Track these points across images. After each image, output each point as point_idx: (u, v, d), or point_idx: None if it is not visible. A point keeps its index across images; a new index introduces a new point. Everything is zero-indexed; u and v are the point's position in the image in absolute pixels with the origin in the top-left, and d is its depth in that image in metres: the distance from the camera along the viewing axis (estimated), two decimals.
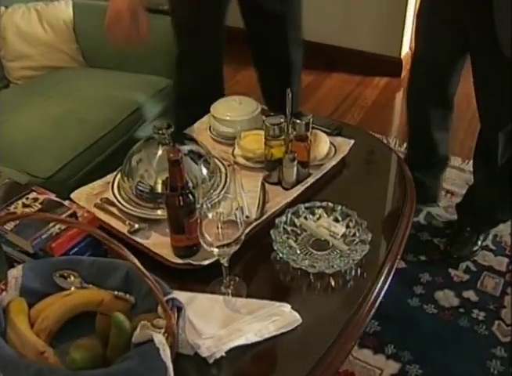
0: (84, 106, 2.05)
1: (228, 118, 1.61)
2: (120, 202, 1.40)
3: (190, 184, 1.33)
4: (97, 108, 2.05)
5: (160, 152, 1.39)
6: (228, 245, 1.09)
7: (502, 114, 1.78)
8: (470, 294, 1.96)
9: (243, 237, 1.10)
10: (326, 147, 1.53)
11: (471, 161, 2.56)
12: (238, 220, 1.08)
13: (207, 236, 1.09)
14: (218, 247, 1.10)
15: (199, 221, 1.10)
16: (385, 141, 2.64)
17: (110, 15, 1.62)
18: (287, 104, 1.36)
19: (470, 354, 1.77)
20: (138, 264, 0.88)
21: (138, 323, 0.95)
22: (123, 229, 1.34)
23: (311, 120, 1.40)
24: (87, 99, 2.10)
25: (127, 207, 1.38)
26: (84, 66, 2.44)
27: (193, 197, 1.18)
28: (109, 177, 1.49)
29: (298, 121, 1.39)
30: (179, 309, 1.00)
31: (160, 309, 0.96)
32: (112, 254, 1.23)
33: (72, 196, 1.43)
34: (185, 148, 1.39)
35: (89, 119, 1.99)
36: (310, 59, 3.27)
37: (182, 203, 1.17)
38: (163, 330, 0.92)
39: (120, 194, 1.43)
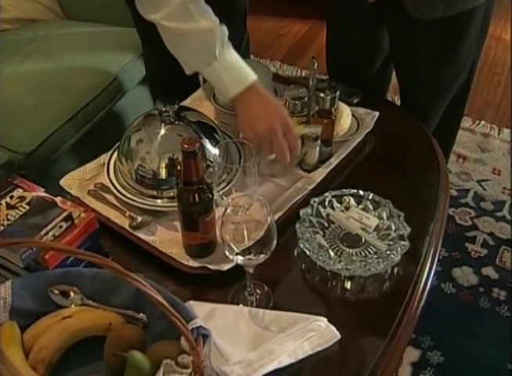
0: (65, 69, 1.82)
1: None
2: (117, 189, 1.22)
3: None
4: (79, 72, 1.82)
5: (162, 131, 1.19)
6: (255, 253, 0.93)
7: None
8: (489, 271, 1.84)
9: (274, 243, 0.93)
10: (348, 121, 1.35)
11: (482, 122, 2.44)
12: (271, 225, 0.91)
13: (232, 245, 0.92)
14: (242, 254, 0.93)
15: (220, 220, 0.93)
16: None
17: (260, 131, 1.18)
18: (311, 76, 1.17)
19: (493, 338, 1.66)
20: (165, 303, 0.70)
21: (156, 356, 0.80)
22: (123, 222, 1.16)
23: (337, 94, 1.21)
24: (67, 61, 1.86)
25: (126, 196, 1.20)
26: (63, 19, 2.19)
27: (211, 192, 1.00)
28: (103, 158, 1.30)
29: (323, 95, 1.20)
30: (205, 335, 0.84)
31: (183, 340, 0.80)
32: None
33: (61, 183, 1.24)
34: (193, 125, 1.20)
35: (71, 85, 1.77)
36: (305, 7, 3.09)
37: (197, 199, 0.99)
38: (190, 370, 0.76)
39: (117, 179, 1.24)
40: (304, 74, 2.65)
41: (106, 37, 2.01)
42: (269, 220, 0.90)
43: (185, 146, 0.93)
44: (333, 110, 1.23)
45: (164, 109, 1.17)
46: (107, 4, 2.13)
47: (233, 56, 1.19)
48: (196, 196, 0.99)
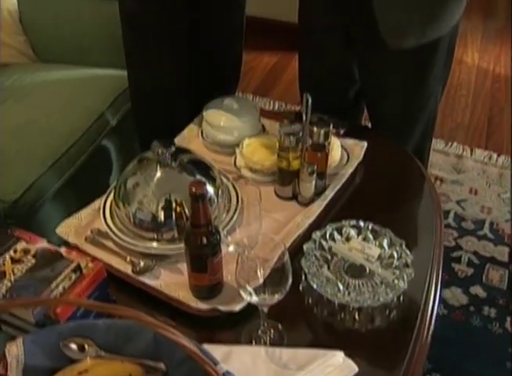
0: (44, 113, 1.80)
1: (224, 124, 1.42)
2: (115, 234, 1.20)
3: None
4: (59, 115, 1.80)
5: (159, 173, 1.19)
6: (270, 293, 0.92)
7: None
8: (477, 290, 1.87)
9: (290, 282, 0.93)
10: (338, 152, 1.37)
11: (454, 144, 2.50)
12: (286, 264, 0.91)
13: (246, 285, 0.91)
14: (257, 294, 0.93)
15: (238, 262, 0.93)
16: None
17: None
18: (304, 111, 1.19)
19: (490, 356, 1.68)
20: (195, 349, 0.69)
21: None
22: (125, 268, 1.14)
23: (331, 127, 1.23)
24: (45, 104, 1.84)
25: (125, 240, 1.19)
26: (35, 61, 2.18)
27: (219, 234, 1.00)
28: (98, 203, 1.28)
29: (316, 130, 1.22)
30: None
31: None
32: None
33: (58, 231, 1.21)
34: (189, 166, 1.20)
35: (52, 128, 1.74)
36: (273, 39, 3.14)
37: (205, 241, 0.98)
38: None
39: (114, 223, 1.23)
40: (277, 105, 2.68)
41: (81, 79, 2.00)
42: (285, 259, 0.90)
43: (194, 189, 0.93)
44: (326, 143, 1.24)
45: (160, 151, 1.17)
46: (80, 45, 2.13)
47: None
48: (205, 238, 0.98)
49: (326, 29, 1.54)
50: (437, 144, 2.45)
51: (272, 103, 2.71)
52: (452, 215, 2.15)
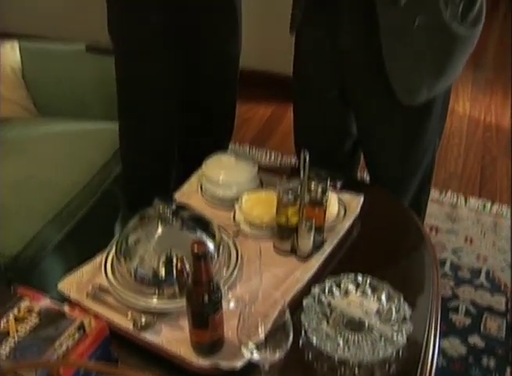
0: (45, 167, 1.84)
1: (223, 179, 1.45)
2: (117, 289, 1.22)
3: None
4: (59, 169, 1.84)
5: (160, 230, 1.21)
6: (271, 349, 0.94)
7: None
8: (475, 340, 1.87)
9: (291, 339, 0.94)
10: (335, 207, 1.40)
11: (449, 193, 2.54)
12: (287, 322, 0.92)
13: (249, 343, 0.93)
14: (258, 350, 0.94)
15: (240, 319, 0.94)
16: None
17: None
18: (302, 168, 1.23)
19: None
20: None
21: None
22: (126, 324, 1.15)
23: (328, 183, 1.26)
24: (46, 159, 1.88)
25: (125, 296, 1.20)
26: (36, 116, 2.22)
27: (220, 292, 1.02)
28: (99, 258, 1.30)
29: (314, 186, 1.25)
30: None
31: None
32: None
33: (60, 287, 1.22)
34: (190, 223, 1.23)
35: (52, 183, 1.77)
36: (268, 90, 3.22)
37: (207, 299, 1.00)
38: None
39: (115, 279, 1.24)
40: (273, 156, 2.73)
41: (81, 133, 2.04)
42: (286, 317, 0.92)
43: (195, 249, 0.95)
44: (324, 199, 1.27)
45: (161, 208, 1.20)
46: (80, 100, 2.19)
47: None
48: (206, 296, 1.00)
49: (321, 83, 1.59)
50: (431, 193, 2.48)
51: (268, 153, 2.76)
52: (448, 264, 2.17)
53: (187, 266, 1.17)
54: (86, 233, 1.76)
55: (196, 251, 0.95)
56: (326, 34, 1.48)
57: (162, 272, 1.19)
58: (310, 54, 1.57)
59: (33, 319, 0.96)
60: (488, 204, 2.49)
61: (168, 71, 1.69)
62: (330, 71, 1.53)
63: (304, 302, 1.16)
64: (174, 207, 1.21)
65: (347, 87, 1.54)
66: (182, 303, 1.08)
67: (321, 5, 1.45)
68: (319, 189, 1.25)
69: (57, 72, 2.20)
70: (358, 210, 1.42)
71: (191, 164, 1.73)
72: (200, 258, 0.96)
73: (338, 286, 1.22)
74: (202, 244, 0.96)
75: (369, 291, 1.21)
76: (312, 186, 1.25)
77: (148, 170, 1.86)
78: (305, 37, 1.57)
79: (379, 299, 1.19)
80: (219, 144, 1.92)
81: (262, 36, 3.12)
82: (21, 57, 2.19)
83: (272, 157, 2.73)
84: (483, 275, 2.12)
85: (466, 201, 2.51)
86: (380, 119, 1.54)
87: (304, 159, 1.21)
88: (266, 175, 1.53)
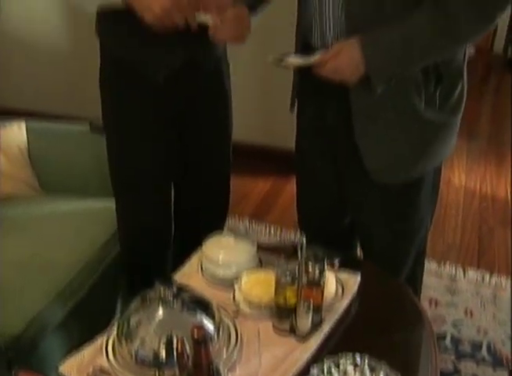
0: (48, 245, 1.87)
1: (223, 259, 1.48)
2: (117, 371, 1.23)
3: None
4: (62, 247, 1.87)
5: (161, 312, 1.24)
6: None
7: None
8: None
9: None
10: (333, 286, 1.43)
11: (447, 264, 2.56)
12: None
13: None
14: None
15: None
16: None
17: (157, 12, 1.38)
18: (299, 250, 1.26)
19: None
20: None
21: None
22: None
23: (325, 264, 1.30)
24: (49, 237, 1.91)
25: None
26: (40, 193, 2.28)
27: (220, 375, 1.03)
28: (100, 340, 1.31)
29: (312, 267, 1.29)
30: None
31: None
32: None
33: (61, 370, 1.24)
34: (190, 305, 1.26)
35: (55, 260, 1.80)
36: (267, 164, 3.29)
37: None
38: None
39: (116, 361, 1.26)
40: (272, 230, 2.77)
41: (83, 211, 2.09)
42: None
43: (195, 334, 0.97)
44: (321, 280, 1.30)
45: (162, 290, 1.23)
46: (83, 177, 2.25)
47: None
48: None
49: (316, 160, 1.66)
50: (430, 265, 2.51)
51: (268, 227, 2.79)
52: (448, 337, 2.17)
53: (187, 349, 1.18)
54: (87, 311, 1.77)
55: (196, 336, 0.97)
56: (317, 114, 1.56)
57: (163, 354, 1.21)
58: (305, 132, 1.65)
59: None
60: (487, 276, 2.51)
61: (159, 152, 1.75)
62: (323, 150, 1.60)
63: None
64: (174, 289, 1.24)
65: (339, 169, 1.60)
66: None
67: (313, 90, 1.53)
68: (317, 270, 1.29)
69: (62, 151, 2.27)
70: (356, 288, 1.45)
71: (188, 240, 1.78)
72: (200, 343, 0.98)
73: (337, 366, 1.23)
74: (202, 328, 0.98)
75: (367, 372, 1.22)
76: (310, 267, 1.29)
77: (145, 248, 1.90)
78: (301, 114, 1.65)
79: None
80: (215, 221, 1.97)
81: (261, 110, 3.23)
82: (27, 137, 2.27)
83: (272, 232, 2.76)
84: (484, 348, 2.12)
85: (464, 273, 2.53)
86: (370, 198, 1.58)
87: (302, 242, 1.25)
88: (265, 254, 1.57)
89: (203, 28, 1.45)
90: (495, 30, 5.20)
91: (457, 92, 1.47)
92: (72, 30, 3.46)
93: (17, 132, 2.27)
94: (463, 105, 1.50)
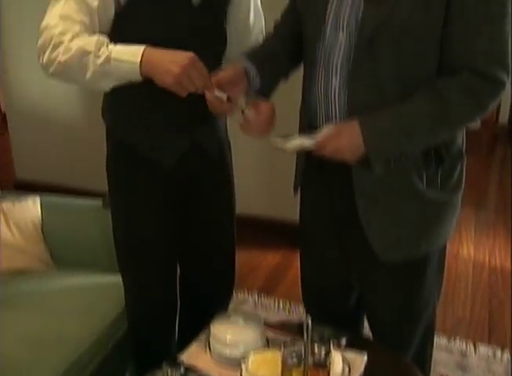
0: (58, 320, 1.89)
1: (230, 338, 1.49)
2: None
3: None
4: (72, 322, 1.89)
5: None
6: None
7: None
8: None
9: None
10: (339, 366, 1.42)
11: (458, 339, 2.54)
12: None
13: None
14: None
15: None
16: None
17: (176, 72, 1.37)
18: (305, 332, 1.28)
19: None
20: None
21: None
22: None
23: (331, 345, 1.31)
24: (60, 312, 1.94)
25: None
26: (52, 267, 2.31)
27: None
28: None
29: (318, 348, 1.30)
30: None
31: None
32: None
33: None
34: None
35: (65, 336, 1.82)
36: (276, 237, 3.33)
37: None
38: None
39: None
40: (281, 304, 2.77)
41: (94, 286, 2.12)
42: None
43: None
44: (327, 361, 1.31)
45: (169, 372, 1.24)
46: (94, 250, 2.29)
47: (117, 46, 1.41)
48: None
49: (322, 241, 1.68)
50: (439, 340, 2.49)
51: (277, 301, 2.79)
52: None
53: None
54: None
55: None
56: (322, 192, 1.61)
57: None
58: (310, 214, 1.69)
59: None
60: (499, 352, 2.48)
61: (164, 231, 1.80)
62: (329, 232, 1.63)
63: None
64: (182, 370, 1.26)
65: (344, 245, 1.63)
66: None
67: (318, 168, 1.58)
68: (323, 352, 1.30)
69: (74, 225, 2.32)
70: (363, 368, 1.45)
71: (194, 315, 1.79)
72: None
73: None
74: None
75: None
76: (316, 348, 1.30)
77: (151, 323, 1.92)
78: (306, 190, 1.69)
79: None
80: (221, 296, 1.99)
81: (270, 184, 3.29)
82: (42, 211, 2.33)
83: (281, 305, 2.76)
84: None
85: (475, 348, 2.50)
86: (375, 276, 1.60)
87: (307, 323, 1.27)
88: (272, 332, 1.58)
89: (207, 113, 1.51)
90: (500, 102, 5.31)
91: (457, 172, 1.51)
92: (87, 105, 3.60)
93: (32, 207, 2.34)
94: (463, 184, 1.54)
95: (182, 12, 1.57)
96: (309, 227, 1.73)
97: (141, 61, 1.38)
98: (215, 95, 1.44)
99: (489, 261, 3.28)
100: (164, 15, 1.54)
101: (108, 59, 1.38)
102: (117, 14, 1.52)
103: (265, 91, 1.55)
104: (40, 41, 1.44)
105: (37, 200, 2.37)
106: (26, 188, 3.85)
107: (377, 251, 1.51)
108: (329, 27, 1.44)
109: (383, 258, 1.51)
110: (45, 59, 1.43)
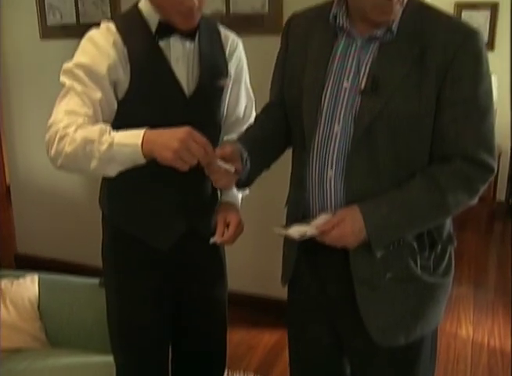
0: None
1: None
2: None
3: None
4: None
5: None
6: None
7: None
8: None
9: None
10: None
11: None
12: None
13: None
14: None
15: None
16: None
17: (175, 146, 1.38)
18: None
19: None
20: None
21: None
22: None
23: None
24: None
25: None
26: (46, 345, 2.31)
27: None
28: None
29: None
30: None
31: None
32: None
33: None
34: None
35: None
36: (272, 316, 3.30)
37: None
38: None
39: None
40: None
41: (86, 366, 2.12)
42: None
43: None
44: None
45: None
46: (89, 331, 2.29)
47: (119, 132, 1.44)
48: None
49: (314, 330, 1.67)
50: None
51: None
52: None
53: None
54: None
55: None
56: (314, 283, 1.62)
57: None
58: (300, 303, 1.69)
59: None
60: None
61: (157, 315, 1.81)
62: (321, 319, 1.64)
63: None
64: None
65: (337, 332, 1.63)
66: None
67: (311, 255, 1.61)
68: None
69: (70, 304, 2.34)
70: None
71: None
72: None
73: None
74: None
75: None
76: None
77: None
78: (295, 286, 1.70)
79: None
80: None
81: (266, 263, 3.29)
82: (39, 289, 2.35)
83: None
84: None
85: None
86: (369, 360, 1.60)
87: None
88: None
89: (204, 200, 1.55)
90: (497, 180, 5.39)
91: (447, 255, 1.55)
92: (90, 182, 3.65)
93: (30, 285, 2.36)
94: (453, 267, 1.57)
95: (176, 105, 1.66)
96: (300, 317, 1.71)
97: (142, 142, 1.42)
98: (224, 167, 1.46)
99: (488, 342, 3.23)
100: (159, 107, 1.63)
101: (111, 145, 1.43)
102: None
103: (251, 177, 1.59)
104: (47, 136, 1.49)
105: (36, 278, 2.40)
106: (26, 262, 3.89)
107: (375, 336, 1.51)
108: (323, 121, 1.48)
109: (380, 342, 1.52)
110: (52, 152, 1.48)
